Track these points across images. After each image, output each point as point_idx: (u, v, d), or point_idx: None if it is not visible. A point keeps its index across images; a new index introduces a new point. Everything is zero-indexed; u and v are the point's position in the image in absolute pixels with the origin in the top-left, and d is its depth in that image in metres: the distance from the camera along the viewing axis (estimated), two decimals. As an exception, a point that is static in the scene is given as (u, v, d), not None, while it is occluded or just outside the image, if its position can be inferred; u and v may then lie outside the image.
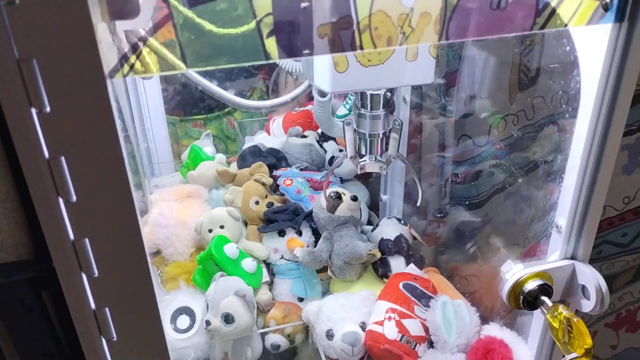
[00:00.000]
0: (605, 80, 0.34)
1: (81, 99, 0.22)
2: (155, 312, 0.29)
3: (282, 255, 0.62)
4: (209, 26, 0.25)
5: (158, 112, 0.91)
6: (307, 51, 0.27)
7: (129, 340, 0.29)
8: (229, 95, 0.61)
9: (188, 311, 0.54)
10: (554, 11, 0.29)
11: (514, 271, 0.42)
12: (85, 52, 0.21)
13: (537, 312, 0.44)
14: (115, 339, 0.29)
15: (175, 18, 0.24)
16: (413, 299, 0.54)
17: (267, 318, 0.58)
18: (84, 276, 0.26)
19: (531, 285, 0.42)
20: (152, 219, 0.62)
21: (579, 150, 0.37)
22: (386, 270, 0.60)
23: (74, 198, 0.24)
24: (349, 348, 0.52)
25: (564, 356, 0.40)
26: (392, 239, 0.62)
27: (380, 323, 0.52)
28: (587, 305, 0.42)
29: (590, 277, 0.41)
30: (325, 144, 0.79)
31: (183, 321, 0.54)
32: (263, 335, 0.58)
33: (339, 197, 0.61)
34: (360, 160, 0.52)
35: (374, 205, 0.78)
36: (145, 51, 0.24)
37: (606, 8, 0.31)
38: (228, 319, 0.52)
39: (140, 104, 0.87)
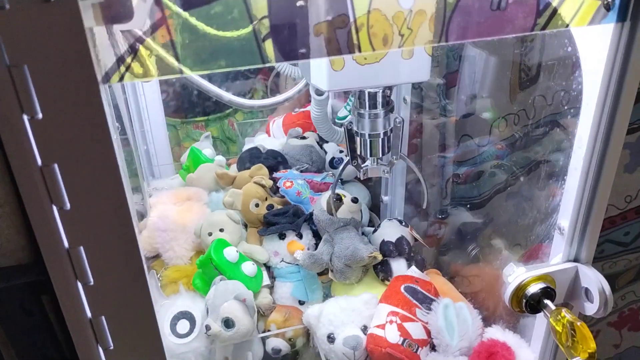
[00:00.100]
0: (608, 81, 0.33)
1: (74, 105, 0.22)
2: (153, 320, 0.28)
3: (283, 258, 0.62)
4: (204, 30, 0.24)
5: (157, 114, 0.91)
6: (303, 51, 0.27)
7: (126, 349, 0.28)
8: (225, 93, 0.60)
9: (188, 316, 0.54)
10: (555, 11, 0.29)
11: (517, 274, 0.42)
12: (78, 58, 0.21)
13: (539, 315, 0.43)
14: (112, 348, 0.28)
15: (169, 22, 0.24)
16: (415, 302, 0.53)
17: (268, 322, 0.58)
18: (79, 284, 0.26)
19: (534, 288, 0.41)
20: (151, 223, 0.62)
21: (581, 152, 0.37)
22: (387, 273, 0.60)
23: (68, 206, 0.24)
24: (350, 352, 0.51)
25: (567, 360, 0.39)
26: (393, 240, 0.61)
27: (382, 326, 0.51)
28: (591, 308, 0.42)
29: (594, 280, 0.40)
30: (325, 145, 0.79)
31: (183, 326, 0.53)
32: (264, 339, 0.58)
33: (339, 199, 0.61)
34: (362, 165, 0.52)
35: (375, 207, 0.77)
36: (138, 56, 0.24)
37: (608, 8, 0.30)
38: (228, 323, 0.51)
39: (139, 106, 0.87)
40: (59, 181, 0.23)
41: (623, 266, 0.75)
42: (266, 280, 0.60)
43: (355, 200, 0.61)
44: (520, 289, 0.42)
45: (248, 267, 0.58)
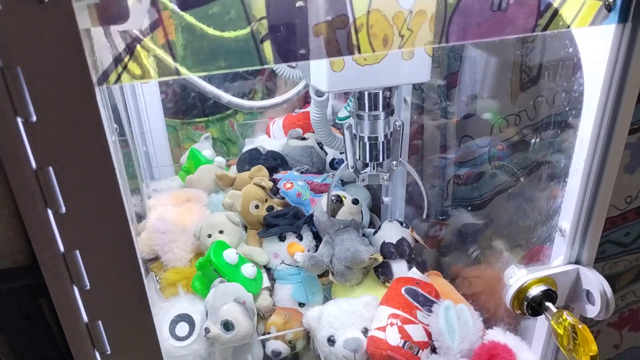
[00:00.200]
0: (609, 82, 0.33)
1: (68, 107, 0.22)
2: (150, 325, 0.28)
3: (283, 260, 0.62)
4: (202, 30, 0.24)
5: (157, 115, 0.90)
6: (303, 52, 0.27)
7: (123, 354, 0.28)
8: (224, 94, 0.60)
9: (187, 318, 0.54)
10: (556, 12, 0.29)
11: (518, 276, 0.42)
12: (72, 59, 0.21)
13: (540, 317, 0.43)
14: (109, 353, 0.28)
15: (167, 23, 0.24)
16: (415, 304, 0.53)
17: (268, 324, 0.58)
18: (75, 289, 0.26)
19: (535, 291, 0.41)
20: (150, 224, 0.62)
21: (583, 154, 0.37)
22: (388, 275, 0.60)
23: (63, 209, 0.23)
24: (350, 354, 0.51)
25: (569, 363, 0.39)
26: (394, 242, 0.61)
27: (383, 329, 0.51)
28: (592, 311, 0.41)
29: (595, 282, 0.40)
30: (326, 146, 0.78)
31: (182, 328, 0.53)
32: (264, 342, 0.57)
33: (340, 200, 0.61)
34: (361, 172, 0.52)
35: (376, 208, 0.77)
36: (135, 57, 0.23)
37: (609, 8, 0.30)
38: (227, 326, 0.51)
39: (138, 107, 0.87)
40: (54, 184, 0.23)
41: (623, 267, 0.75)
42: (266, 283, 0.60)
43: (355, 202, 0.61)
44: (521, 292, 0.41)
45: (248, 269, 0.57)
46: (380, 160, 0.50)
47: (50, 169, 0.23)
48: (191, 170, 0.76)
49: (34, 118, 0.22)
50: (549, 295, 0.41)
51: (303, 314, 0.57)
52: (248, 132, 0.97)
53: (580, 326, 0.38)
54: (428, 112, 0.67)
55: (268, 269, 0.63)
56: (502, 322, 0.52)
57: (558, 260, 0.42)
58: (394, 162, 0.50)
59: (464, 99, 0.61)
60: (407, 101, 0.66)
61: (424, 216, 0.59)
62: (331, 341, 0.52)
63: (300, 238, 0.63)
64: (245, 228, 0.66)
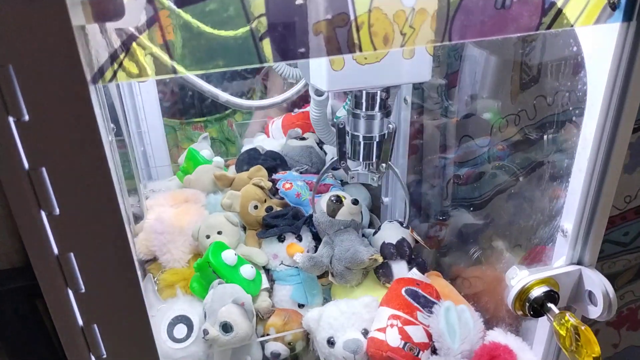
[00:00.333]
0: (613, 81, 0.32)
1: (62, 106, 0.21)
2: (147, 328, 0.27)
3: (282, 261, 0.61)
4: (199, 28, 0.23)
5: (155, 115, 0.90)
6: (302, 50, 0.26)
7: (119, 358, 0.28)
8: (222, 93, 0.59)
9: (185, 320, 0.53)
10: (560, 10, 0.28)
11: (519, 277, 0.41)
12: (65, 57, 0.20)
13: (542, 318, 0.43)
14: (105, 357, 0.27)
15: (163, 20, 0.23)
16: (416, 305, 0.52)
17: (267, 326, 0.57)
18: (70, 292, 0.25)
19: (537, 292, 0.41)
20: (147, 225, 0.61)
21: (586, 154, 0.36)
22: (388, 276, 0.59)
23: (57, 211, 0.23)
24: (350, 356, 0.51)
25: (571, 365, 0.39)
26: (394, 242, 0.61)
27: (383, 330, 0.50)
28: (594, 312, 0.41)
29: (597, 283, 0.40)
30: (325, 146, 0.78)
31: (180, 330, 0.52)
32: (263, 343, 0.57)
33: (339, 201, 0.60)
34: (352, 170, 0.51)
35: (376, 208, 0.77)
36: (130, 55, 0.23)
37: (614, 7, 0.30)
38: (226, 327, 0.51)
39: (136, 106, 0.86)
40: (48, 185, 0.22)
41: (622, 266, 0.75)
42: (265, 284, 0.60)
43: (355, 202, 0.61)
44: (523, 293, 0.41)
45: (247, 270, 0.57)
46: (371, 160, 0.50)
47: (44, 169, 0.22)
48: (189, 170, 0.75)
49: (27, 117, 0.21)
50: (551, 296, 0.41)
51: (302, 315, 0.56)
52: (246, 132, 0.97)
53: (583, 327, 0.38)
54: (428, 112, 0.67)
55: (267, 270, 0.62)
56: (503, 323, 0.51)
57: (560, 261, 0.42)
58: (383, 165, 0.50)
59: (464, 98, 0.61)
60: (407, 101, 0.66)
61: (405, 224, 0.60)
62: (331, 342, 0.52)
63: (300, 239, 0.62)
64: (244, 229, 0.66)
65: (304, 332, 0.56)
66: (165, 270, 0.61)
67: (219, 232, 0.60)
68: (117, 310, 0.26)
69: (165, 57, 0.23)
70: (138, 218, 0.64)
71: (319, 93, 0.55)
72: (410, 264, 0.60)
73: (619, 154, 0.35)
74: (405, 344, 0.49)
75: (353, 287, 0.60)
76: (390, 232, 0.62)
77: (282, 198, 0.67)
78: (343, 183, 0.74)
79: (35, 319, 0.41)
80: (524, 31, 0.28)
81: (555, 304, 0.41)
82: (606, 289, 0.39)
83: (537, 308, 0.41)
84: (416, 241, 0.63)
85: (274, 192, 0.68)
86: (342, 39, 0.27)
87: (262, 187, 0.65)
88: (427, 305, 0.52)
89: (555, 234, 0.42)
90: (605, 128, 0.34)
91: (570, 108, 0.42)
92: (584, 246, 0.40)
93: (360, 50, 0.27)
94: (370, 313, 0.53)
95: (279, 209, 0.65)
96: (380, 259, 0.58)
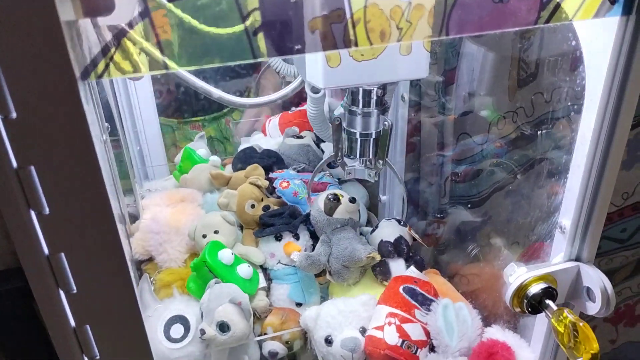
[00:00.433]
0: (612, 76, 0.32)
1: (50, 103, 0.21)
2: (141, 328, 0.27)
3: (279, 260, 0.61)
4: (191, 22, 0.23)
5: (150, 114, 0.89)
6: (298, 47, 0.26)
7: (113, 359, 0.27)
8: (215, 90, 0.59)
9: (182, 320, 0.53)
10: (558, 4, 0.28)
11: (518, 274, 0.41)
12: (53, 53, 0.20)
13: (540, 315, 0.43)
14: (98, 358, 0.27)
15: (154, 15, 0.23)
16: (414, 302, 0.52)
17: (264, 325, 0.57)
18: (61, 292, 0.25)
19: (535, 288, 0.40)
20: (143, 225, 0.61)
21: (584, 149, 0.36)
22: (386, 274, 0.59)
23: (47, 210, 0.22)
24: (348, 354, 0.50)
25: (569, 361, 0.38)
26: (392, 240, 0.60)
27: (381, 328, 0.50)
28: (593, 308, 0.41)
29: (595, 279, 0.40)
30: (322, 145, 0.77)
31: (177, 330, 0.52)
32: (260, 342, 0.57)
33: (337, 199, 0.60)
34: (349, 166, 0.51)
35: (373, 206, 0.76)
36: (120, 51, 0.22)
37: (613, 1, 0.29)
38: (223, 327, 0.50)
39: (131, 105, 0.85)
40: (37, 184, 0.22)
41: (619, 263, 0.75)
42: (262, 283, 0.59)
43: (353, 200, 0.60)
44: (521, 289, 0.41)
45: (243, 270, 0.56)
46: (369, 157, 0.49)
47: (32, 168, 0.22)
48: (186, 169, 0.75)
49: (14, 115, 0.21)
50: (549, 292, 0.40)
51: (300, 314, 0.56)
52: (243, 131, 0.96)
53: (581, 324, 0.37)
54: (425, 109, 0.67)
55: (265, 269, 0.62)
56: (501, 320, 0.51)
57: (558, 258, 0.42)
58: (380, 162, 0.50)
59: (461, 95, 0.61)
60: (405, 98, 0.65)
61: (402, 222, 0.59)
62: (328, 341, 0.52)
63: (297, 237, 0.62)
64: (241, 228, 0.65)
65: (302, 331, 0.56)
66: (161, 270, 0.60)
67: (216, 232, 0.60)
68: (109, 310, 0.26)
69: (156, 53, 0.22)
70: (134, 218, 0.64)
71: (315, 90, 0.55)
72: (408, 261, 0.60)
73: (618, 150, 0.35)
74: (403, 341, 0.49)
75: (351, 286, 0.59)
76: (388, 230, 0.62)
77: (279, 197, 0.66)
78: (341, 182, 0.74)
79: (31, 320, 0.40)
80: (522, 25, 0.28)
81: (554, 301, 0.40)
82: (604, 285, 0.39)
83: (535, 305, 0.41)
84: (414, 239, 0.63)
85: (271, 190, 0.68)
86: (338, 35, 0.26)
87: (259, 186, 0.64)
88: (425, 303, 0.52)
89: (553, 231, 0.42)
90: (603, 124, 0.34)
91: (569, 104, 0.42)
92: (582, 242, 0.40)
93: (357, 45, 0.26)
94: (368, 311, 0.53)
95: (276, 207, 0.64)
96: (378, 257, 0.58)
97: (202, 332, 0.50)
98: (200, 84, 0.57)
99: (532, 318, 0.46)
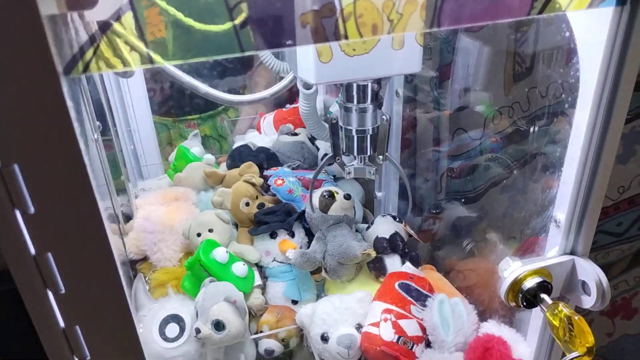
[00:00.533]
0: (606, 67, 0.32)
1: (32, 100, 0.20)
2: (132, 328, 0.27)
3: (275, 258, 0.61)
4: (175, 15, 0.22)
5: (144, 113, 0.88)
6: (289, 42, 0.25)
7: (104, 359, 0.27)
8: (202, 85, 0.58)
9: (177, 319, 0.53)
10: (551, -6, 0.27)
11: (512, 269, 0.41)
12: (34, 48, 0.19)
13: (536, 309, 0.43)
14: (89, 358, 0.27)
15: (137, 7, 0.22)
16: (409, 298, 0.52)
17: (260, 323, 0.57)
18: (49, 293, 0.24)
19: (530, 283, 0.40)
20: (137, 224, 0.60)
21: (579, 142, 0.36)
22: (381, 270, 0.59)
23: (32, 209, 0.22)
24: (344, 351, 0.50)
25: (564, 355, 0.38)
26: (387, 237, 0.60)
27: (376, 324, 0.50)
28: (588, 302, 0.41)
29: (590, 273, 0.40)
30: (317, 142, 0.77)
31: (172, 329, 0.52)
32: (256, 340, 0.56)
33: (331, 196, 0.60)
34: (348, 164, 0.50)
35: (369, 203, 0.76)
36: (103, 45, 0.22)
37: (606, -10, 0.29)
38: (218, 326, 0.50)
39: (125, 104, 0.85)
40: (21, 183, 0.21)
41: (616, 256, 0.76)
42: (258, 281, 0.59)
43: (347, 197, 0.60)
44: (516, 284, 0.41)
45: (239, 268, 0.56)
46: (367, 154, 0.49)
47: (16, 166, 0.21)
48: (180, 168, 0.74)
49: (-5, 111, 0.20)
50: (544, 286, 0.40)
51: (296, 312, 0.56)
52: (238, 129, 0.95)
53: (576, 317, 0.37)
54: (421, 105, 0.66)
55: (260, 267, 0.62)
56: (497, 315, 0.51)
57: (553, 252, 0.41)
58: (380, 157, 0.49)
59: (457, 91, 0.61)
60: (400, 94, 0.65)
61: (409, 212, 0.59)
62: (324, 338, 0.52)
63: (292, 235, 0.62)
64: (236, 226, 0.65)
65: (298, 329, 0.56)
66: (156, 269, 0.60)
67: (210, 230, 0.60)
68: (99, 310, 0.26)
69: (141, 46, 0.22)
70: (128, 217, 0.63)
71: (307, 86, 0.54)
72: (404, 257, 0.60)
73: (613, 142, 0.35)
74: (399, 338, 0.49)
75: (346, 283, 0.59)
76: (384, 227, 0.62)
77: (274, 194, 0.66)
78: (336, 178, 0.73)
79: (29, 322, 0.40)
80: (515, 17, 0.27)
81: (549, 295, 0.40)
82: (599, 278, 0.39)
83: (530, 299, 0.41)
84: (409, 235, 0.63)
85: (265, 188, 0.67)
86: (329, 29, 0.26)
87: (253, 184, 0.64)
88: (421, 298, 0.52)
89: (548, 225, 0.42)
90: (598, 116, 0.34)
91: (564, 98, 0.42)
92: (577, 236, 0.40)
93: (347, 37, 0.26)
94: (363, 308, 0.53)
95: (270, 205, 0.64)
96: (373, 254, 0.58)
97: (198, 331, 0.50)
98: (187, 79, 0.56)
99: (528, 312, 0.46)
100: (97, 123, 0.53)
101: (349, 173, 0.51)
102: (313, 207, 0.59)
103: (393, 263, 0.59)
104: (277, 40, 0.25)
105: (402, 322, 0.50)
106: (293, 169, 0.72)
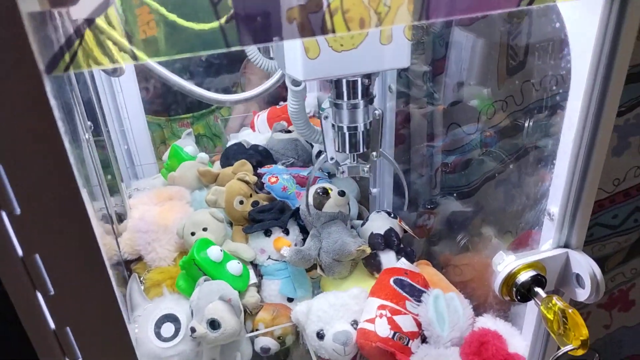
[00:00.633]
0: (598, 58, 0.32)
1: (13, 99, 0.20)
2: (123, 327, 0.26)
3: (270, 256, 0.61)
4: (159, 10, 0.22)
5: (137, 113, 0.88)
6: (276, 37, 0.25)
7: (95, 360, 0.27)
8: (187, 84, 0.57)
9: (172, 318, 0.52)
10: (540, -14, 0.27)
11: (506, 263, 0.41)
12: (15, 46, 0.19)
13: (530, 303, 0.43)
14: (80, 360, 0.26)
15: (120, 4, 0.22)
16: (404, 294, 0.52)
17: (256, 321, 0.56)
18: (39, 295, 0.24)
19: (524, 276, 0.40)
20: (131, 224, 0.60)
21: (571, 134, 0.36)
22: (377, 266, 0.59)
23: (18, 210, 0.22)
24: (340, 348, 0.50)
25: (559, 348, 0.38)
26: (382, 233, 0.60)
27: (372, 321, 0.50)
28: (582, 294, 0.41)
29: (584, 265, 0.40)
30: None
31: (167, 329, 0.52)
32: (252, 339, 0.56)
33: (326, 193, 0.59)
34: (341, 164, 0.50)
35: (365, 199, 0.76)
36: (85, 43, 0.21)
37: (596, -19, 0.29)
38: (214, 324, 0.50)
39: (117, 104, 0.84)
40: (5, 183, 0.21)
41: (612, 249, 0.76)
42: (253, 279, 0.59)
43: (342, 194, 0.60)
44: (510, 278, 0.41)
45: (233, 266, 0.56)
46: (360, 151, 0.49)
47: (0, 166, 0.21)
48: (173, 167, 0.74)
49: (-24, 111, 0.20)
50: (538, 280, 0.40)
51: (291, 309, 0.56)
52: (232, 127, 0.95)
53: (570, 310, 0.37)
54: (414, 100, 0.66)
55: (255, 265, 0.62)
56: (492, 309, 0.51)
57: (547, 245, 0.42)
58: (374, 153, 0.49)
59: (450, 85, 0.60)
60: (392, 89, 0.65)
61: (405, 208, 0.59)
62: (320, 335, 0.51)
63: (287, 232, 0.61)
64: (231, 224, 0.65)
65: (294, 326, 0.56)
66: (151, 269, 0.59)
67: (204, 229, 0.59)
68: (90, 311, 0.25)
69: (124, 42, 0.22)
70: (122, 217, 0.63)
71: (296, 83, 0.54)
72: (399, 253, 0.60)
73: (605, 134, 0.35)
74: (394, 333, 0.49)
75: (342, 279, 0.59)
76: (378, 223, 0.62)
77: (268, 192, 0.66)
78: (330, 175, 0.73)
79: (17, 323, 0.39)
80: (505, 8, 0.27)
81: (543, 288, 0.40)
82: (593, 270, 0.39)
83: (525, 293, 0.41)
84: (404, 231, 0.63)
85: (260, 186, 0.67)
86: (316, 25, 0.25)
87: (247, 182, 0.64)
88: (416, 294, 0.52)
89: (542, 218, 0.42)
90: (590, 107, 0.34)
91: (557, 91, 0.42)
92: (571, 229, 0.40)
93: (334, 32, 0.26)
94: (359, 304, 0.53)
95: (265, 203, 0.64)
96: (368, 250, 0.58)
97: (193, 330, 0.50)
98: (173, 77, 0.55)
99: (523, 306, 0.46)
100: (89, 123, 0.53)
101: (343, 172, 0.51)
102: (309, 207, 0.59)
103: (388, 259, 0.59)
104: (264, 36, 0.25)
105: (397, 318, 0.50)
106: (287, 166, 0.71)
